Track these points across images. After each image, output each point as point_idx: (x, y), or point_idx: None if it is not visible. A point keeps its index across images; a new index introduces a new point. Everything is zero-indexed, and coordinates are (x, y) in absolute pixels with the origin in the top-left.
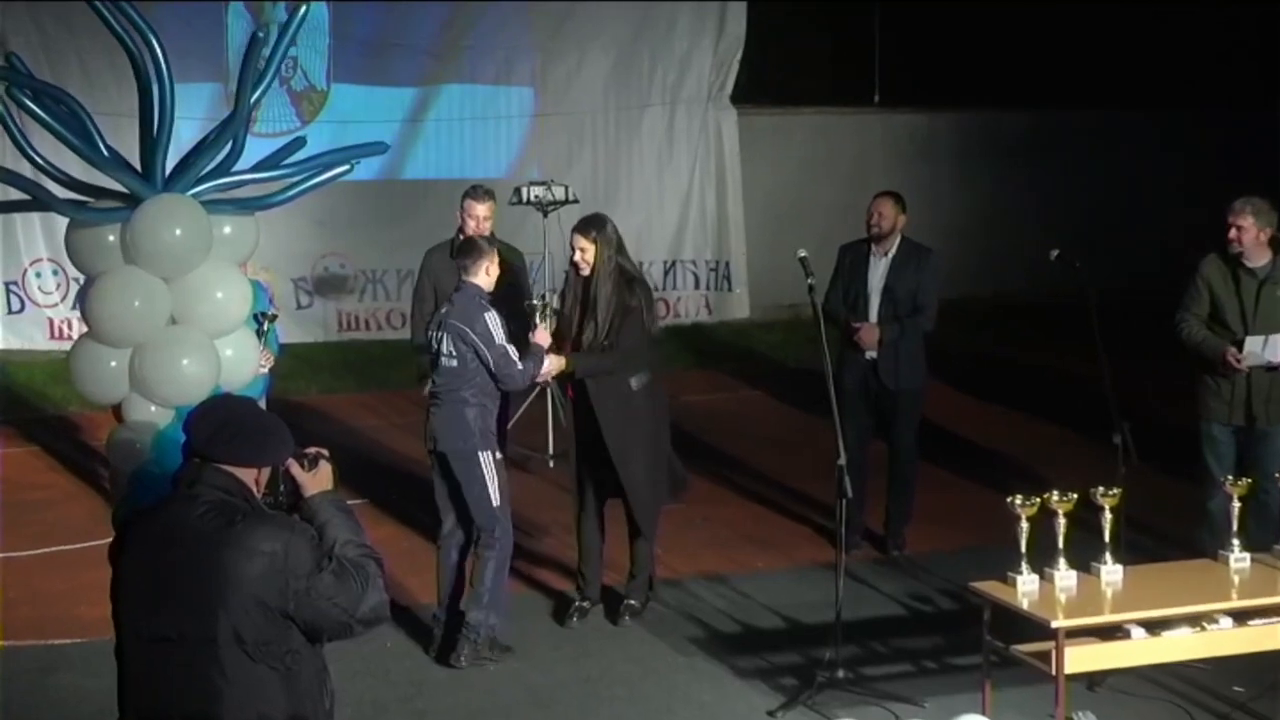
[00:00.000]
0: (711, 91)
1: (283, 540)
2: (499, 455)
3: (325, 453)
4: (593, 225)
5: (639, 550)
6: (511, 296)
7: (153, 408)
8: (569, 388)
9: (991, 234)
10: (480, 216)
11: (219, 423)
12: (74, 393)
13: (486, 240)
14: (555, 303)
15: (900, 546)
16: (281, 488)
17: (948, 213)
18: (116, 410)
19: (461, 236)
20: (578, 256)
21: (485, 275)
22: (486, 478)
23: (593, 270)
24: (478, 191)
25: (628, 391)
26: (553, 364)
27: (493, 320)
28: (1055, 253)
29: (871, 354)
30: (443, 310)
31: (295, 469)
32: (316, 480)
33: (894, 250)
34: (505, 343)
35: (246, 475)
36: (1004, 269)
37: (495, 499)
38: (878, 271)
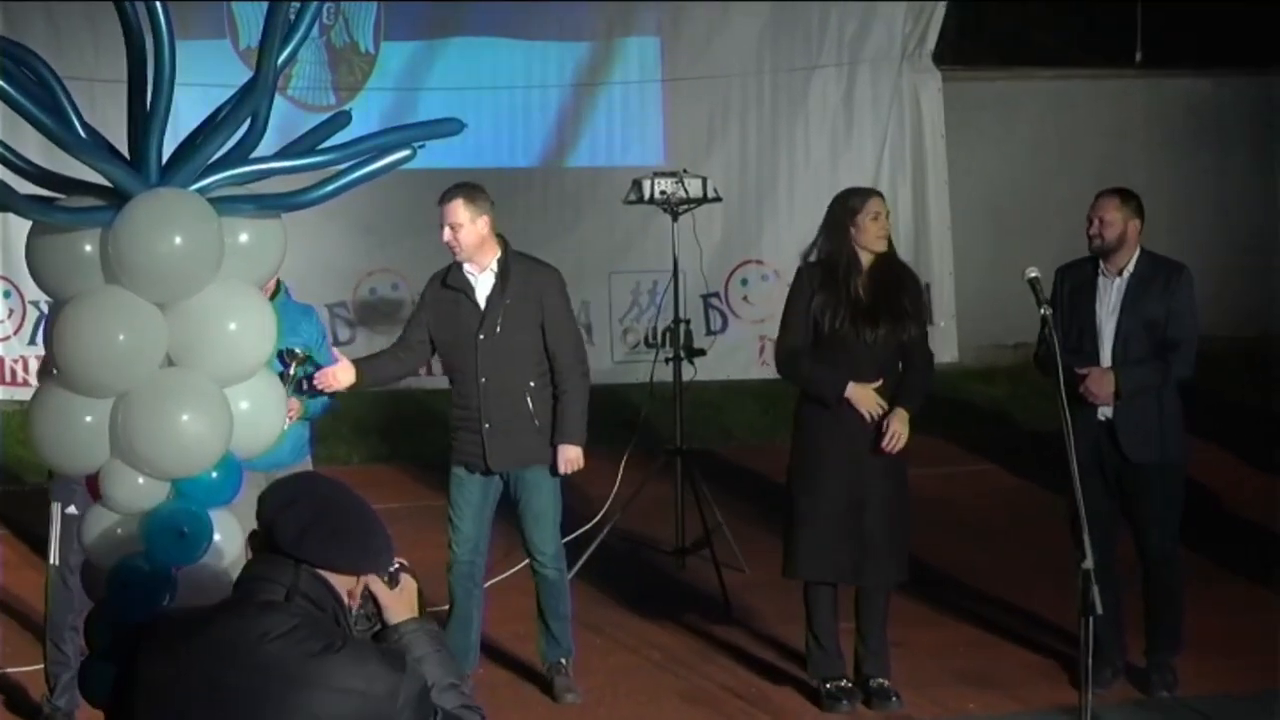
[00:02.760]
0: (907, 48)
1: (388, 684)
2: None
3: (407, 564)
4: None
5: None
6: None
7: (141, 479)
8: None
9: None
10: (450, 224)
11: (314, 512)
12: (32, 458)
13: None
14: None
15: (1169, 685)
16: (360, 609)
17: (1238, 213)
18: (92, 483)
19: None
20: (878, 228)
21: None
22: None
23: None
24: (446, 192)
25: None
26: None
27: None
28: None
29: (1106, 412)
30: None
31: (378, 585)
32: (402, 600)
33: (1130, 268)
34: None
35: (342, 585)
36: None
37: None
38: (1109, 298)
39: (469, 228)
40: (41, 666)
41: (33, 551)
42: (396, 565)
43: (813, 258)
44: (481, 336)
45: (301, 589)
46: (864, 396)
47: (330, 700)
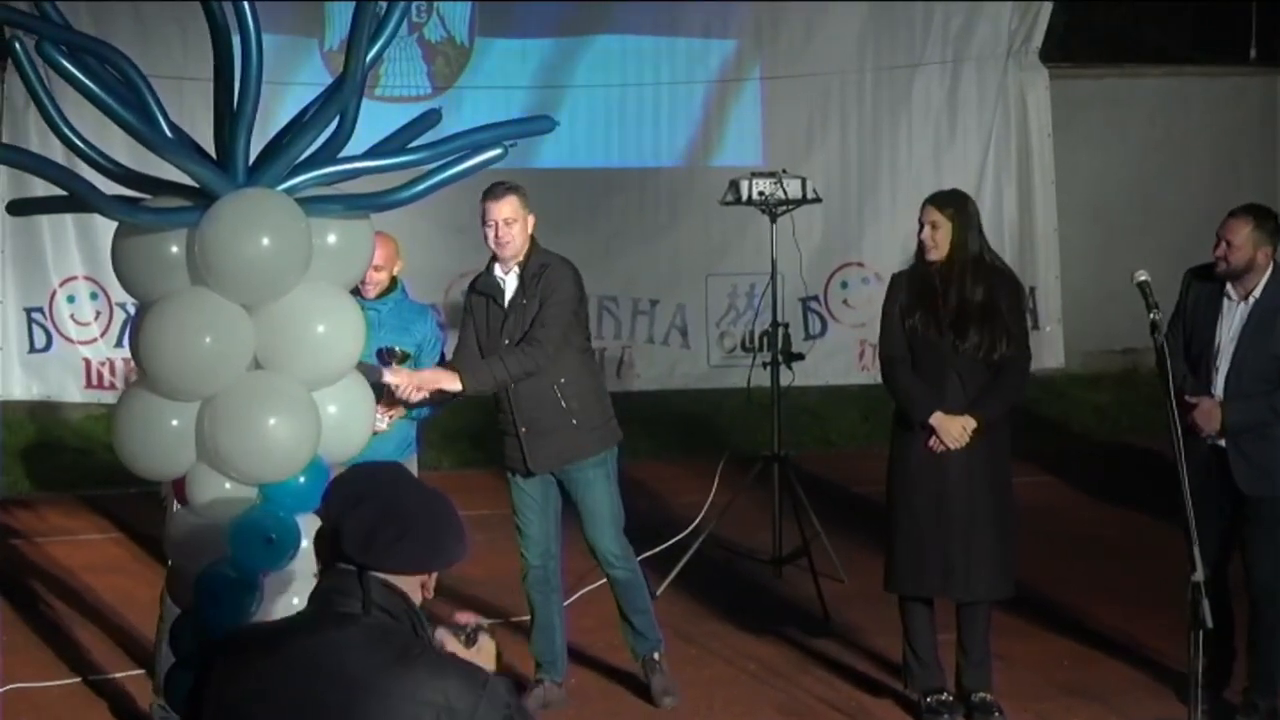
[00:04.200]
0: (1014, 45)
1: (468, 700)
2: None
3: (484, 623)
4: (951, 201)
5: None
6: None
7: (227, 484)
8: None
9: None
10: (498, 221)
11: (377, 515)
12: (118, 462)
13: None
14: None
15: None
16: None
17: None
18: (179, 487)
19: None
20: (926, 235)
21: None
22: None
23: (950, 256)
24: (495, 188)
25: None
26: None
27: None
28: None
29: (1217, 439)
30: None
31: (452, 644)
32: (479, 660)
33: (1259, 292)
34: None
35: (411, 585)
36: None
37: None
38: (1232, 321)
39: (521, 225)
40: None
41: (145, 553)
42: (475, 625)
43: (909, 263)
44: (506, 340)
45: (375, 599)
46: (948, 426)
47: (410, 712)
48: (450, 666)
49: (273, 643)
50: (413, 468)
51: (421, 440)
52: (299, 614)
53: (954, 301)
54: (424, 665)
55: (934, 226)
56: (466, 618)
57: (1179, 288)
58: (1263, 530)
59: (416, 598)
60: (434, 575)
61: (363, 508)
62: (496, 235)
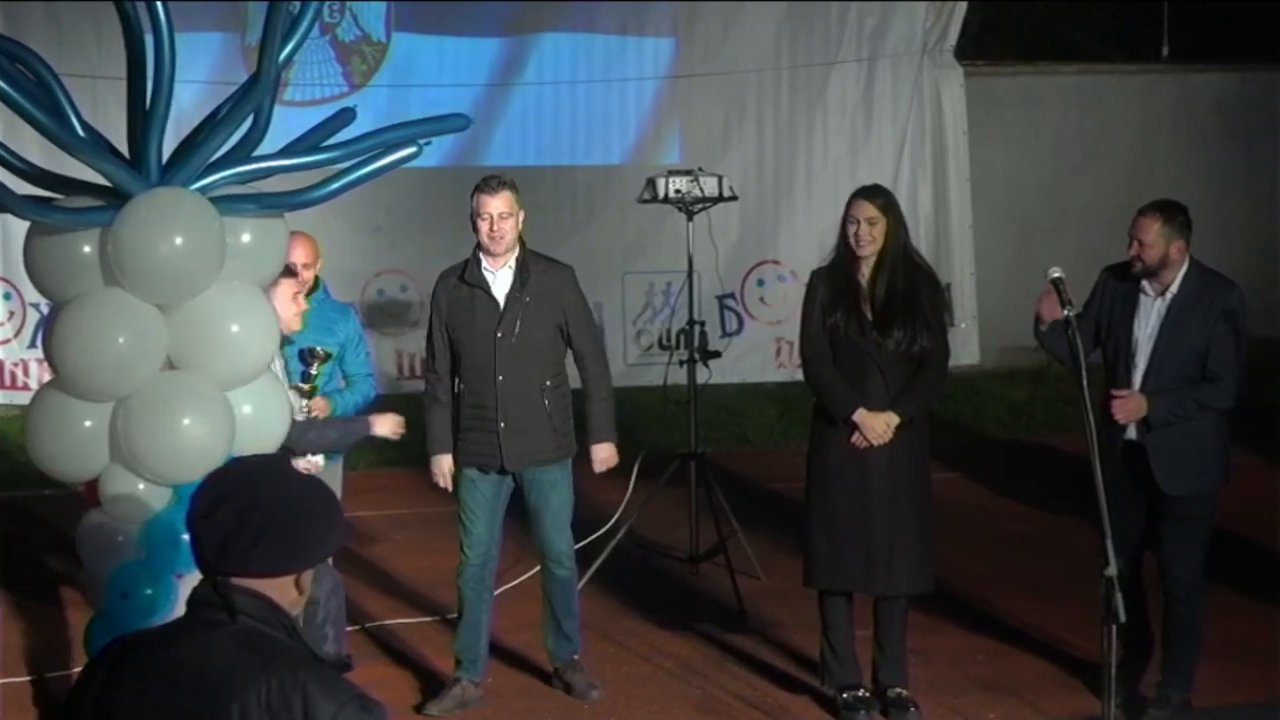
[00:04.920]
0: (928, 43)
1: (329, 710)
2: None
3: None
4: (882, 195)
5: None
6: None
7: (141, 485)
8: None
9: None
10: (494, 215)
11: (235, 517)
12: (30, 464)
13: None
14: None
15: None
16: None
17: (1270, 214)
18: (91, 488)
19: (478, 247)
20: (863, 231)
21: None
22: None
23: (882, 251)
24: (490, 182)
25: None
26: (395, 421)
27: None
28: None
29: (1132, 433)
30: None
31: None
32: None
33: (1176, 287)
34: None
35: (280, 587)
36: None
37: None
38: (1150, 318)
39: (514, 220)
40: None
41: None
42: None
43: (827, 260)
44: (500, 335)
45: (239, 606)
46: (871, 423)
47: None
48: (317, 673)
49: (149, 650)
50: (337, 475)
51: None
52: (174, 621)
53: (879, 298)
54: (288, 670)
55: (870, 223)
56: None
57: (1096, 282)
58: (1180, 527)
59: (289, 597)
60: (307, 573)
61: (219, 513)
62: (491, 229)
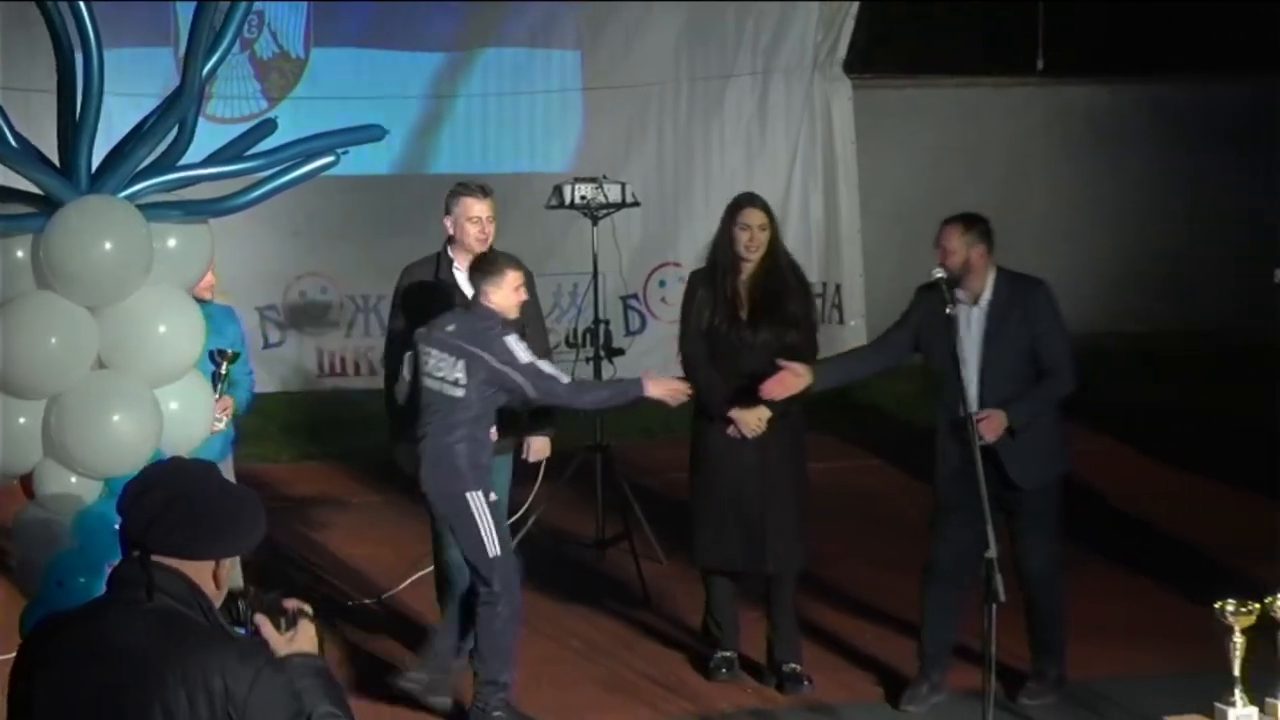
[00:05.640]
0: (819, 57)
1: (245, 677)
2: (493, 496)
3: (307, 608)
4: (765, 204)
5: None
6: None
7: (73, 478)
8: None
9: (1196, 248)
10: (483, 218)
11: (162, 501)
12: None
13: (507, 256)
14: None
15: (1038, 694)
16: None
17: (1138, 220)
18: (25, 483)
19: (449, 247)
20: (756, 237)
21: (509, 295)
22: (479, 523)
23: (768, 255)
24: (472, 187)
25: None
26: (673, 385)
27: (513, 340)
28: None
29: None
30: (437, 326)
31: (267, 628)
32: (295, 644)
33: (987, 295)
34: (532, 357)
35: (199, 572)
36: (1211, 296)
37: (492, 547)
38: (970, 325)
39: (492, 226)
40: None
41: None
42: (295, 609)
43: (704, 262)
44: None
45: (159, 584)
46: (746, 418)
47: (183, 696)
48: (231, 647)
49: (68, 630)
50: (229, 469)
51: (240, 441)
52: (96, 599)
53: (755, 298)
54: (202, 648)
55: (761, 229)
56: (290, 604)
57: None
58: (1032, 520)
59: (209, 588)
60: (224, 565)
61: (148, 497)
62: (481, 231)
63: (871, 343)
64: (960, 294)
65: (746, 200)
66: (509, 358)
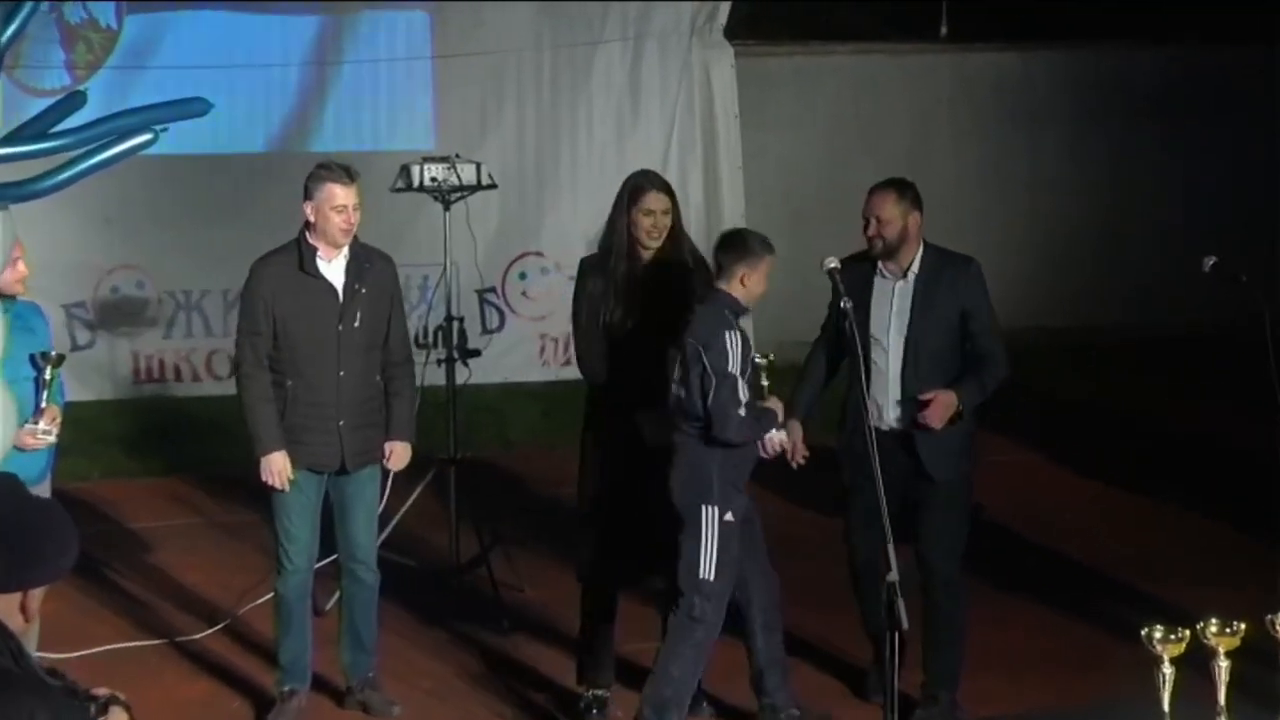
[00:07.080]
0: (696, 23)
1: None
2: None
3: (121, 698)
4: (666, 183)
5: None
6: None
7: None
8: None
9: (1114, 231)
10: (349, 206)
11: None
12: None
13: (760, 236)
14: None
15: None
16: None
17: (1049, 198)
18: None
19: (308, 235)
20: (659, 223)
21: (742, 285)
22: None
23: (669, 240)
24: (336, 170)
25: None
26: (781, 436)
27: (733, 342)
28: (1211, 260)
29: (890, 421)
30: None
31: None
32: None
33: (917, 266)
34: (739, 374)
35: (5, 606)
36: (1131, 283)
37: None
38: (893, 303)
39: (358, 214)
40: None
41: None
42: (106, 697)
43: (596, 246)
44: (341, 328)
45: None
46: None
47: None
48: (43, 703)
49: None
50: (46, 489)
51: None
52: None
53: (660, 289)
54: (10, 707)
55: (665, 214)
56: (101, 692)
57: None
58: (938, 513)
59: (15, 621)
60: (33, 594)
61: None
62: (346, 221)
63: (814, 343)
64: (886, 267)
65: (647, 183)
66: (720, 360)
